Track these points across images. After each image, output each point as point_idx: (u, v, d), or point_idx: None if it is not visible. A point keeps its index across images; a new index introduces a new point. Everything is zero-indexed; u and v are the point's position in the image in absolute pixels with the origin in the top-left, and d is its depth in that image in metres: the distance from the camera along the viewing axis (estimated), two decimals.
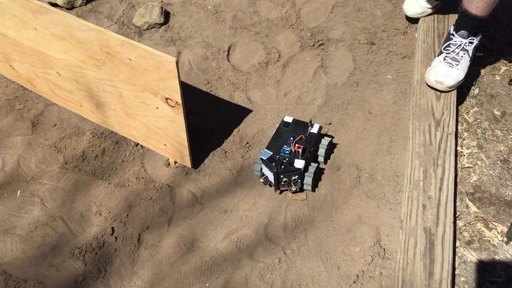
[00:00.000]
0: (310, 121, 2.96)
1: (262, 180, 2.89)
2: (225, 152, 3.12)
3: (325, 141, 2.96)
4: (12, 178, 3.02)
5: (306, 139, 2.89)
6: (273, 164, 2.73)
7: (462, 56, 3.09)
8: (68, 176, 3.03)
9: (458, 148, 3.01)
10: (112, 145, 3.18)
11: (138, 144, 3.16)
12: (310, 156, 2.87)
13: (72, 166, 3.08)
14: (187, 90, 3.48)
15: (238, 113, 3.33)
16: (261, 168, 2.86)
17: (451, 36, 3.13)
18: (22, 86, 3.54)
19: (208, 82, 3.56)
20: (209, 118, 3.31)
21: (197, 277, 2.58)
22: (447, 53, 3.11)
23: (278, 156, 2.79)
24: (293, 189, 2.82)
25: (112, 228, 2.79)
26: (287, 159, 2.78)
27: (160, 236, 2.75)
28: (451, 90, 3.15)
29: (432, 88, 3.20)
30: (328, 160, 3.03)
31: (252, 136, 3.19)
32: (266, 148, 2.85)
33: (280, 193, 2.88)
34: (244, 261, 2.62)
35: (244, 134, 3.21)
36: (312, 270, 2.58)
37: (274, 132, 2.97)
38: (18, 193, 2.94)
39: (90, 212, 2.87)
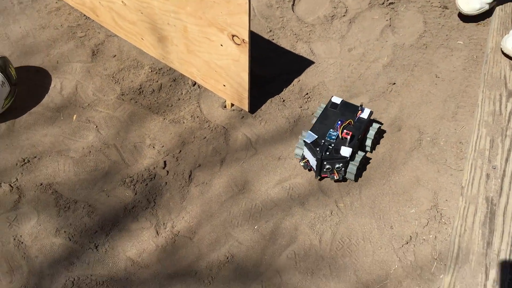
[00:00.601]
0: (361, 105, 2.67)
1: (302, 164, 2.67)
2: (283, 100, 3.03)
3: (372, 130, 2.68)
4: (69, 103, 3.03)
5: (355, 125, 2.59)
6: (318, 149, 2.50)
7: None
8: (124, 107, 3.01)
9: None
10: (170, 82, 3.13)
11: (195, 83, 3.10)
12: (357, 144, 2.59)
13: (129, 98, 3.05)
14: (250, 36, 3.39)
15: (300, 64, 3.23)
16: (303, 151, 2.64)
17: None
18: (85, 15, 3.52)
19: (271, 31, 3.46)
20: (269, 66, 3.22)
21: (246, 219, 2.54)
22: None
23: (323, 141, 2.52)
24: (335, 177, 2.59)
25: (165, 162, 2.76)
26: (333, 145, 2.51)
27: (211, 175, 2.71)
28: None
29: (507, 56, 3.03)
30: (389, 122, 2.91)
31: (312, 88, 3.09)
32: (310, 130, 2.60)
33: (320, 179, 2.68)
34: (295, 209, 2.57)
35: (304, 85, 3.11)
36: (363, 226, 2.50)
37: (319, 112, 2.72)
38: (74, 118, 2.94)
39: (144, 144, 2.85)
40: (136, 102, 3.03)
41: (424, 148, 2.78)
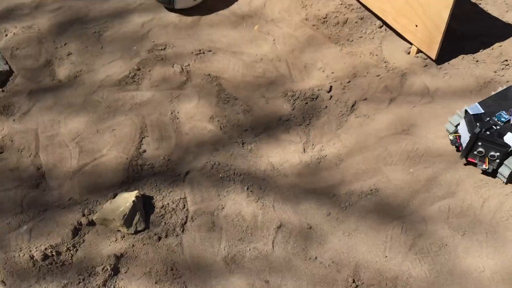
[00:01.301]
0: None
1: (451, 138, 2.25)
2: (477, 61, 2.71)
3: None
4: (254, 14, 3.05)
5: None
6: (478, 124, 2.08)
7: None
8: (304, 30, 2.94)
9: None
10: (356, 19, 2.99)
11: (382, 25, 2.91)
12: None
13: (311, 24, 2.98)
14: None
15: (505, 31, 2.86)
16: (459, 123, 2.23)
17: None
18: None
19: None
20: (470, 25, 2.91)
21: (403, 160, 2.29)
22: None
23: (489, 119, 2.12)
24: (484, 167, 2.14)
25: (331, 86, 2.63)
26: (498, 127, 2.08)
27: (376, 110, 2.51)
28: None
29: None
30: None
31: None
32: (478, 103, 2.19)
33: (466, 164, 2.22)
34: (461, 165, 2.25)
35: (505, 51, 2.74)
36: None
37: (499, 90, 2.29)
38: (256, 28, 2.95)
39: (315, 66, 2.75)
40: (318, 29, 2.94)
41: None
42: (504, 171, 2.08)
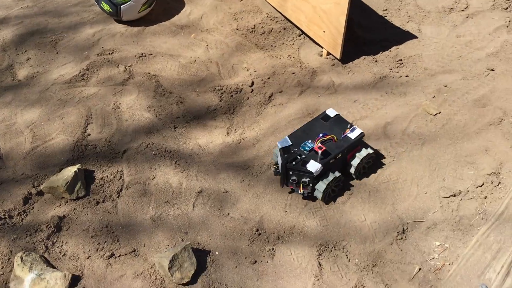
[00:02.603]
0: (351, 124, 2.48)
1: (273, 169, 2.49)
2: (376, 61, 3.20)
3: (363, 152, 2.44)
4: (192, 25, 3.52)
5: (338, 143, 2.39)
6: (286, 156, 2.33)
7: None
8: (234, 38, 3.41)
9: None
10: (280, 29, 3.48)
11: (301, 34, 3.41)
12: (336, 163, 2.40)
13: (241, 33, 3.46)
14: (364, 10, 3.63)
15: (403, 36, 3.37)
16: (277, 156, 2.45)
17: None
18: None
19: (386, 9, 3.66)
20: (373, 33, 3.42)
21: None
22: None
23: (295, 149, 2.36)
24: (300, 192, 2.39)
25: (252, 82, 3.09)
26: (303, 156, 2.33)
27: (289, 100, 2.97)
28: None
29: None
30: (475, 97, 2.90)
31: (408, 57, 3.21)
32: (288, 136, 2.43)
33: (290, 192, 2.48)
34: None
35: (401, 53, 3.25)
36: (415, 172, 2.55)
37: (307, 122, 2.55)
38: (192, 36, 3.41)
39: (240, 66, 3.21)
40: (246, 37, 3.42)
41: (504, 126, 2.74)
42: (317, 194, 2.38)
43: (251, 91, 3.04)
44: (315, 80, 3.08)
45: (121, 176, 2.58)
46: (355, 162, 2.43)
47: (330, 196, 2.43)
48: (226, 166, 2.64)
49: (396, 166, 2.57)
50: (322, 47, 3.23)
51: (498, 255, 2.16)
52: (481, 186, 2.46)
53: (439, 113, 2.82)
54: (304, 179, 2.31)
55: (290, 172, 2.32)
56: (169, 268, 2.11)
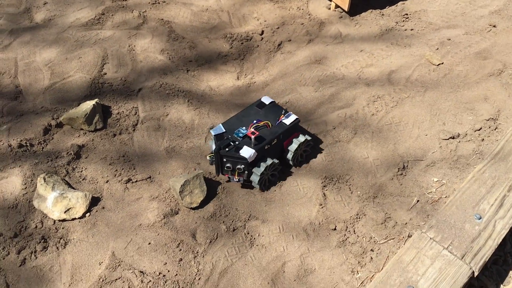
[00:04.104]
0: (285, 110, 2.42)
1: (208, 158, 2.39)
2: (383, 14, 3.30)
3: (301, 138, 2.37)
4: None
5: (272, 129, 2.33)
6: (219, 142, 2.26)
7: None
8: None
9: None
10: None
11: None
12: (272, 150, 2.33)
13: None
14: None
15: None
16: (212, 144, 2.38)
17: None
18: None
19: None
20: None
21: (314, 82, 2.86)
22: None
23: (229, 136, 2.29)
24: (235, 180, 2.30)
25: (262, 30, 3.19)
26: (237, 142, 2.25)
27: (297, 48, 3.08)
28: None
29: None
30: (476, 50, 3.02)
31: (414, 12, 3.32)
32: (222, 123, 2.36)
33: (229, 181, 2.40)
34: (360, 85, 2.82)
35: (407, 8, 3.35)
36: (417, 116, 2.67)
37: (242, 109, 2.48)
38: None
39: (251, 16, 3.31)
40: None
41: (503, 77, 2.86)
42: (254, 178, 2.28)
43: (261, 39, 3.15)
44: (323, 30, 3.19)
45: (136, 112, 2.70)
46: (292, 147, 2.36)
47: (267, 183, 2.37)
48: (236, 106, 2.76)
49: (399, 110, 2.70)
50: (331, 0, 3.33)
51: (492, 190, 2.30)
52: (479, 130, 2.59)
53: (442, 63, 2.94)
54: (238, 166, 2.23)
55: (225, 159, 2.23)
56: (180, 192, 2.25)
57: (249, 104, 2.56)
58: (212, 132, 2.28)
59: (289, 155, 2.37)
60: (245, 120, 2.36)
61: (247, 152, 2.19)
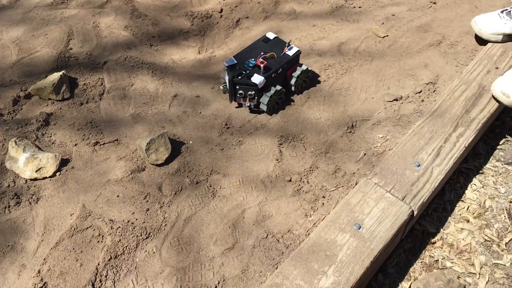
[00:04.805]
0: (288, 43, 2.74)
1: (221, 87, 2.75)
2: None
3: (299, 70, 2.74)
4: None
5: (277, 59, 2.67)
6: (232, 72, 2.59)
7: None
8: None
9: None
10: None
11: None
12: (278, 78, 2.68)
13: None
14: None
15: None
16: (225, 74, 2.70)
17: None
18: None
19: None
20: None
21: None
22: None
23: (240, 67, 2.62)
24: (247, 104, 2.66)
25: (221, 9, 3.39)
26: (248, 71, 2.58)
27: (254, 24, 3.28)
28: None
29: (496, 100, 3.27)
30: (417, 24, 3.29)
31: None
32: (233, 56, 2.69)
33: (238, 106, 2.76)
34: (312, 55, 3.05)
35: None
36: (364, 82, 2.91)
37: (250, 44, 2.82)
38: None
39: None
40: None
41: (442, 47, 3.14)
42: (264, 99, 2.64)
43: (220, 17, 3.34)
44: (278, 8, 3.41)
45: (102, 83, 2.85)
46: (295, 73, 2.70)
47: (274, 108, 2.71)
48: (198, 77, 2.95)
49: (348, 77, 2.94)
50: None
51: (430, 142, 2.55)
52: (419, 92, 2.85)
53: (387, 36, 3.19)
54: (250, 92, 2.57)
55: (237, 87, 2.58)
56: (146, 149, 2.42)
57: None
58: (226, 64, 2.59)
59: (293, 81, 2.73)
60: (253, 53, 2.70)
61: (257, 78, 2.53)
